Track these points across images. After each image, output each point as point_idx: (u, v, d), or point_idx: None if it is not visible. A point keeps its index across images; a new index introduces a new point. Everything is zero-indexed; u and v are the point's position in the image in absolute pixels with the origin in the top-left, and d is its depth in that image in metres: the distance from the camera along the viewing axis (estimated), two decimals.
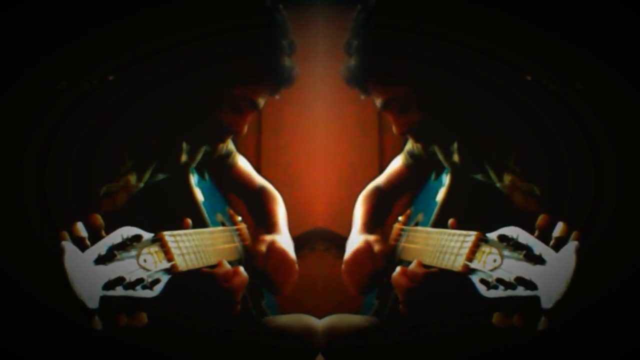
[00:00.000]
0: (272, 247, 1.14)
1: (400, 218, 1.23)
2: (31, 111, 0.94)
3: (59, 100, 0.96)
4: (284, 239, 1.18)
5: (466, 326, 0.87)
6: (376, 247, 1.17)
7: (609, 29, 0.96)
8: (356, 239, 1.21)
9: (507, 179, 1.02)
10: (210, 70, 0.93)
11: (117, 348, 0.88)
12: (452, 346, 0.93)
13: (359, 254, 1.17)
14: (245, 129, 1.03)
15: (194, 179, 1.12)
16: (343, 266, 1.19)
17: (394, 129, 1.02)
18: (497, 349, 0.89)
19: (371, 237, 1.20)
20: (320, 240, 1.91)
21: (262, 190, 1.35)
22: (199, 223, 1.00)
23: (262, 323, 1.08)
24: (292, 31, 1.00)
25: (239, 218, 1.19)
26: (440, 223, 0.97)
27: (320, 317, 1.13)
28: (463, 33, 0.91)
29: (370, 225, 1.26)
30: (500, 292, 0.70)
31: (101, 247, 0.72)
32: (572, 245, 0.69)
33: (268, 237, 1.17)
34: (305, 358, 1.06)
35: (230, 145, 1.29)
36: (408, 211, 1.26)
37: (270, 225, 1.23)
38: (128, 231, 0.74)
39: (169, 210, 1.01)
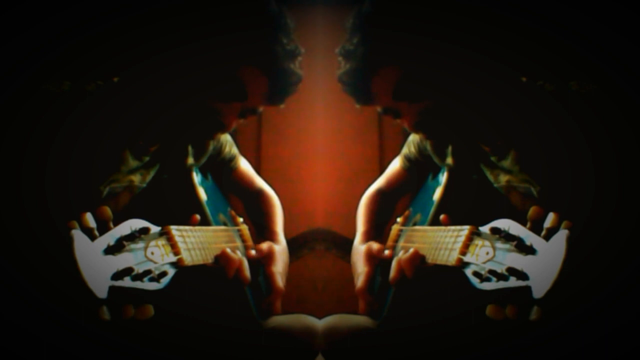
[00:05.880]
0: (268, 267, 1.10)
1: (398, 219, 1.23)
2: (32, 111, 0.94)
3: (60, 101, 0.96)
4: (279, 264, 1.14)
5: (464, 323, 0.87)
6: (374, 247, 1.15)
7: (608, 29, 0.96)
8: (359, 250, 1.19)
9: (504, 179, 1.02)
10: (211, 71, 0.93)
11: (117, 346, 0.88)
12: (451, 346, 0.93)
13: (368, 277, 1.13)
14: (234, 124, 1.02)
15: (197, 178, 1.12)
16: (358, 294, 1.14)
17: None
18: (495, 348, 0.89)
19: (373, 246, 1.17)
20: (320, 240, 1.91)
21: (260, 193, 1.35)
22: (203, 222, 1.00)
23: (262, 323, 1.08)
24: (292, 31, 1.00)
25: (241, 219, 1.20)
26: (437, 221, 0.97)
27: (320, 317, 1.13)
28: (462, 33, 0.91)
29: (371, 232, 1.27)
30: (493, 284, 0.71)
31: (110, 237, 0.72)
32: (562, 234, 0.69)
33: (265, 247, 1.12)
34: (305, 358, 1.06)
35: (233, 149, 1.29)
36: (407, 212, 1.26)
37: (268, 233, 1.23)
38: (136, 223, 0.75)
39: (173, 208, 1.01)
